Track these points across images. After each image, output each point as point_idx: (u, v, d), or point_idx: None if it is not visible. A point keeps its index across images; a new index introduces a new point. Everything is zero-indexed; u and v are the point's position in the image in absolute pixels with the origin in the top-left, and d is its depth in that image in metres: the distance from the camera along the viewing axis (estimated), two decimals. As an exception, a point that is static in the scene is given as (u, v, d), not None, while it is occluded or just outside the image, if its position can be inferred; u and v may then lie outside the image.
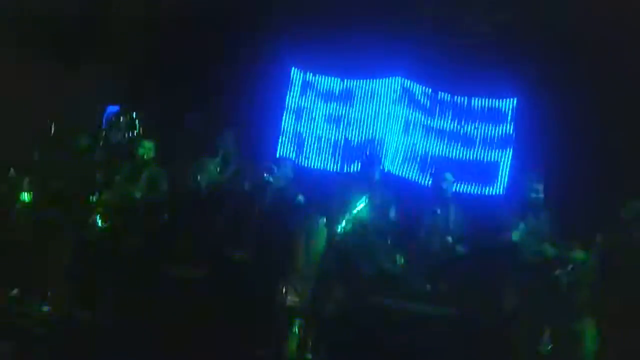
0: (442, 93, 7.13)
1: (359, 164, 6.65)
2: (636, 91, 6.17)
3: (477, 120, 7.08)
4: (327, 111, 7.28)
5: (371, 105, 7.20)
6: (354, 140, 7.20)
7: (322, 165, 7.25)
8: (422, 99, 7.17)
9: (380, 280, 5.59)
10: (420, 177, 7.08)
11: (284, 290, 5.31)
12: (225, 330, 5.21)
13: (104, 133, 6.48)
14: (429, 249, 5.82)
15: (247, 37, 7.09)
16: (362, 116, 7.22)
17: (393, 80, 7.13)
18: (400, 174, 7.09)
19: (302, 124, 7.29)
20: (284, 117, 7.27)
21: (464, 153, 7.08)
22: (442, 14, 6.74)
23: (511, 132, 6.98)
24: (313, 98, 7.30)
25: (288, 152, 7.20)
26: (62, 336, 5.23)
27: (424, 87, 7.15)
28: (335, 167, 7.22)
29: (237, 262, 5.69)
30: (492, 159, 6.98)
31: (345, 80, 7.28)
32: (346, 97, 7.27)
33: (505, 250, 5.52)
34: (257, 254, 5.66)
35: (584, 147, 6.40)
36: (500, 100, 7.03)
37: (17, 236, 5.78)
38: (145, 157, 6.11)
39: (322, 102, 7.30)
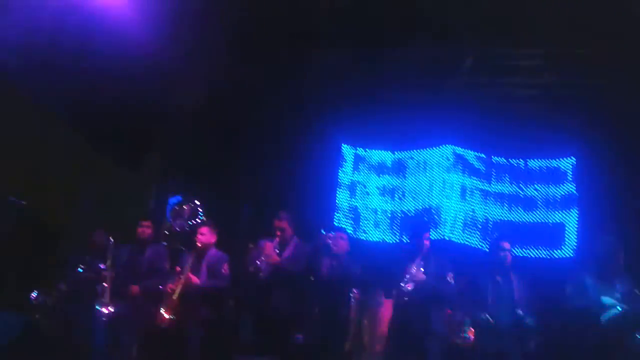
0: (496, 157, 7.06)
1: (410, 234, 6.56)
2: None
3: (537, 182, 6.96)
4: (381, 184, 7.30)
5: (425, 174, 7.19)
6: (410, 210, 7.15)
7: (380, 237, 7.20)
8: (476, 164, 7.10)
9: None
10: (482, 243, 6.92)
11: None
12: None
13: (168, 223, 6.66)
14: (496, 321, 5.49)
15: (296, 116, 7.21)
16: (416, 186, 7.20)
17: (445, 149, 7.12)
18: (461, 242, 6.95)
19: (357, 198, 7.32)
20: (338, 193, 7.33)
21: (527, 216, 6.93)
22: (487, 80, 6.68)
23: (574, 191, 6.79)
24: (366, 172, 7.36)
25: (344, 227, 7.18)
26: None
27: (477, 153, 7.09)
28: (393, 238, 7.16)
29: (301, 346, 5.63)
30: (557, 221, 6.79)
31: (397, 152, 7.32)
32: (399, 168, 7.28)
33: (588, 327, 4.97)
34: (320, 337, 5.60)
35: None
36: (558, 160, 6.90)
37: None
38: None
39: (375, 175, 7.33)
